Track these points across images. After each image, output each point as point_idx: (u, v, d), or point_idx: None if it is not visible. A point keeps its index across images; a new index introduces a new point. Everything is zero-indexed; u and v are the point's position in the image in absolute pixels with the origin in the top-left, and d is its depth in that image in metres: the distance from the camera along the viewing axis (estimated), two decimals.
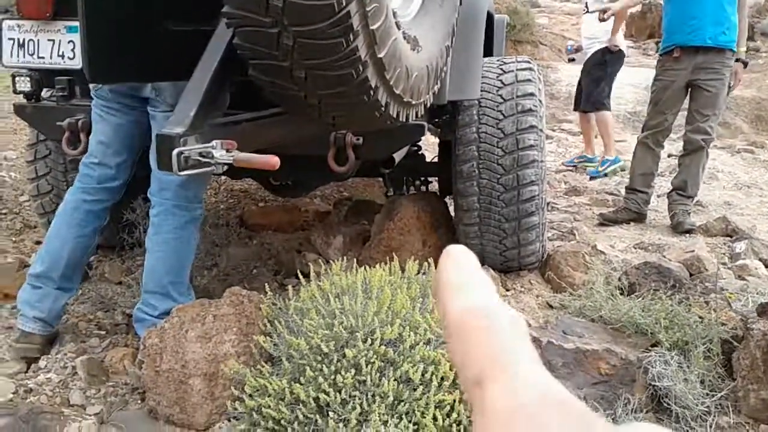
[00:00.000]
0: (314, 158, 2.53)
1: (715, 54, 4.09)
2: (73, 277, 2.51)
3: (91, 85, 2.45)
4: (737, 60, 4.18)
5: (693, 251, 3.34)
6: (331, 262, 2.40)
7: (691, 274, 3.14)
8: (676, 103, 4.29)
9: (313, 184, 4.62)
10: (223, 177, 4.26)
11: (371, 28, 1.57)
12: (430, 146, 4.59)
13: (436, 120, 3.17)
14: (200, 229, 2.99)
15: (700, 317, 2.22)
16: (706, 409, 1.97)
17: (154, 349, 2.10)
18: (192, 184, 2.43)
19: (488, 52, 3.48)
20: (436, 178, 3.78)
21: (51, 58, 2.57)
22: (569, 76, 10.46)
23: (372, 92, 1.70)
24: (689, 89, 4.23)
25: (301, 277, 2.32)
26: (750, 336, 2.05)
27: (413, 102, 1.97)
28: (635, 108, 9.04)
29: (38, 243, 3.70)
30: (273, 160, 1.61)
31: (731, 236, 3.93)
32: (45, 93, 2.79)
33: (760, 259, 3.43)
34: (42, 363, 2.39)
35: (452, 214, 3.30)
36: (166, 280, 2.41)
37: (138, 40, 2.04)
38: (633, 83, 9.67)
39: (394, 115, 1.88)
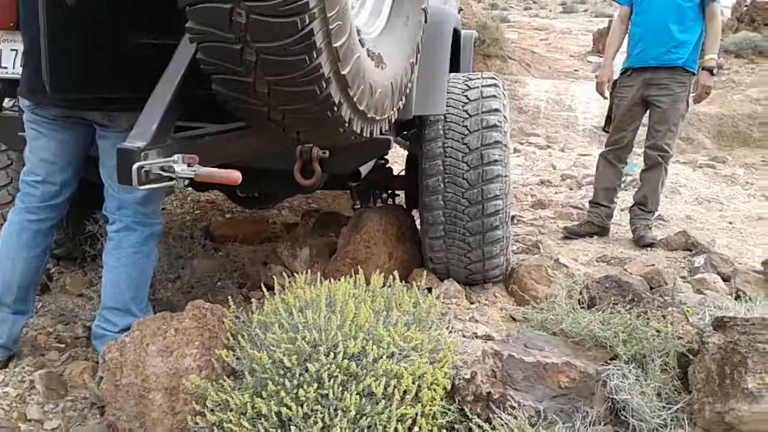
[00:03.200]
0: (281, 171, 2.54)
1: (663, 71, 4.20)
2: (27, 298, 2.46)
3: (25, 103, 2.36)
4: (702, 68, 4.25)
5: (653, 265, 3.41)
6: (296, 274, 2.40)
7: (651, 288, 3.20)
8: (634, 120, 4.38)
9: (280, 196, 4.62)
10: (189, 188, 4.23)
11: (334, 45, 1.59)
12: (399, 158, 4.62)
13: (404, 133, 3.19)
14: (163, 242, 2.97)
15: (657, 331, 2.26)
16: (662, 422, 2.00)
17: (114, 363, 2.07)
18: (151, 200, 2.40)
19: (456, 67, 3.52)
20: (403, 191, 3.81)
21: (14, 68, 2.54)
22: (537, 90, 10.62)
23: (335, 108, 1.72)
24: (647, 107, 4.33)
25: (265, 290, 2.31)
26: (705, 350, 2.09)
27: (377, 118, 1.99)
28: (600, 122, 9.21)
29: None
30: (234, 175, 1.61)
31: (691, 250, 4.01)
32: (7, 103, 2.76)
33: (719, 273, 3.50)
34: None
35: (418, 227, 3.33)
36: (127, 296, 2.38)
37: (100, 52, 2.03)
38: (599, 98, 9.84)
39: (358, 131, 1.90)
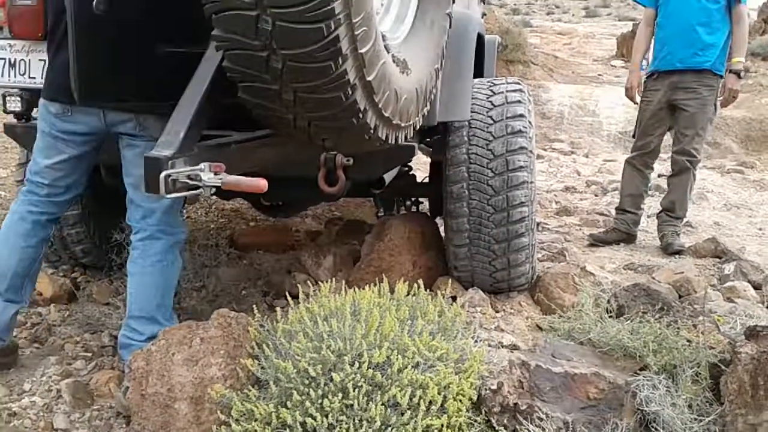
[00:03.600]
0: (305, 179, 2.53)
1: (690, 74, 4.14)
2: (22, 289, 2.46)
3: (53, 110, 2.34)
4: (729, 71, 4.18)
5: (682, 273, 3.35)
6: (320, 283, 2.39)
7: (680, 296, 3.14)
8: (660, 125, 4.32)
9: (304, 204, 4.62)
10: (213, 197, 4.25)
11: (360, 51, 1.58)
12: (422, 165, 4.60)
13: (427, 140, 3.17)
14: (188, 250, 2.98)
15: (688, 341, 2.22)
16: None
17: (140, 372, 2.08)
18: (174, 209, 2.41)
19: (479, 72, 3.50)
20: (427, 199, 3.79)
21: (42, 78, 2.56)
22: (560, 95, 10.56)
23: (361, 115, 1.71)
24: (674, 111, 4.26)
25: (289, 298, 2.31)
26: (738, 360, 2.05)
27: (402, 124, 1.98)
28: (625, 128, 9.12)
29: None
30: (261, 183, 1.60)
31: (720, 257, 3.93)
32: (35, 113, 2.78)
33: (749, 281, 3.44)
34: (26, 386, 2.36)
35: (443, 234, 3.30)
36: (153, 305, 2.39)
37: (127, 61, 2.04)
38: (624, 103, 9.75)
39: (384, 138, 1.89)
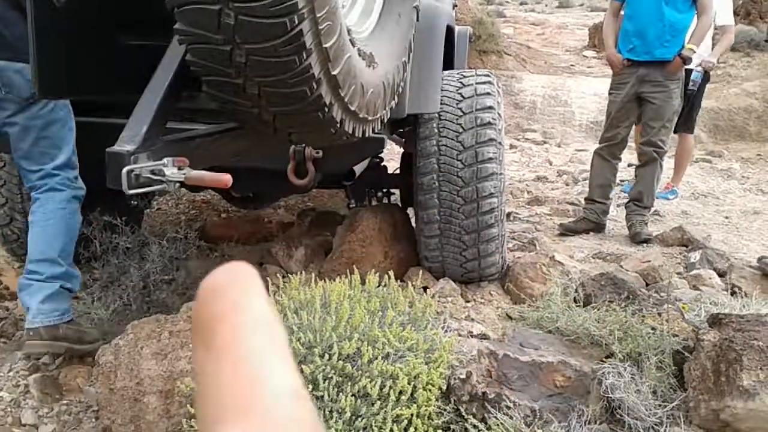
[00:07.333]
0: (275, 171, 2.53)
1: (656, 67, 4.18)
2: None
3: None
4: (679, 55, 4.18)
5: (649, 261, 3.41)
6: (290, 275, 2.39)
7: (647, 284, 3.20)
8: (628, 116, 4.37)
9: (275, 196, 4.61)
10: (183, 189, 4.22)
11: (324, 45, 1.57)
12: (395, 156, 4.60)
13: (400, 131, 3.19)
14: (157, 243, 2.96)
15: (652, 328, 2.26)
16: (658, 420, 2.00)
17: (109, 366, 2.07)
18: (72, 167, 2.47)
19: (449, 64, 3.51)
20: (398, 190, 3.80)
21: None
22: (533, 86, 10.61)
23: (326, 109, 1.70)
24: (641, 103, 4.31)
25: None
26: (701, 347, 2.09)
27: (369, 118, 1.98)
28: (597, 117, 9.19)
29: None
30: (224, 178, 1.60)
31: (687, 246, 4.00)
32: None
33: (714, 269, 3.50)
34: None
35: (414, 225, 3.32)
36: (56, 248, 2.41)
37: (90, 54, 2.01)
38: (596, 93, 9.84)
39: (350, 131, 1.89)
